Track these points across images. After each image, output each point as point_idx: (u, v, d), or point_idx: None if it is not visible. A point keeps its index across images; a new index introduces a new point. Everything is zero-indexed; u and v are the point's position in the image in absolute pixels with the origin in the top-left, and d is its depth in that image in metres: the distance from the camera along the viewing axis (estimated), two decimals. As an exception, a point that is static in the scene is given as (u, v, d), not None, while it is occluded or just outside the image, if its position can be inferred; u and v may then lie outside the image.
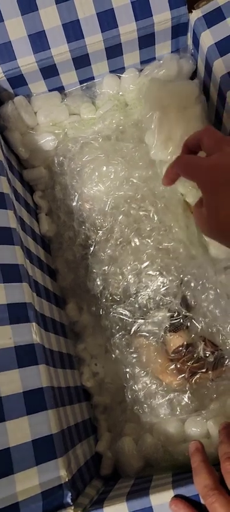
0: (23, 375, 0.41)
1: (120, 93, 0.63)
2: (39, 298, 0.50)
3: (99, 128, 0.59)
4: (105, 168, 0.53)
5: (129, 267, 0.50)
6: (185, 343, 0.48)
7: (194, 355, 0.47)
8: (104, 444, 0.54)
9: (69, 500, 0.39)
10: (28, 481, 0.38)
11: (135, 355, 0.50)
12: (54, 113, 0.62)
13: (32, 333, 0.44)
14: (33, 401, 0.41)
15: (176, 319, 0.49)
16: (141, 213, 0.52)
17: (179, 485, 0.39)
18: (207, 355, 0.47)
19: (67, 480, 0.40)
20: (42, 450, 0.39)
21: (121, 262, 0.51)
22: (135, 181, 0.52)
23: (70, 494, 0.39)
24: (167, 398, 0.48)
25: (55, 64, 0.58)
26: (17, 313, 0.43)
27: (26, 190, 0.62)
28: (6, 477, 0.37)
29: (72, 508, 0.39)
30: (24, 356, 0.42)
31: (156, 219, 0.51)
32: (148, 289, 0.50)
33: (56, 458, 0.40)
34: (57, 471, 0.40)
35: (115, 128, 0.58)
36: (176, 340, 0.49)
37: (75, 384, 0.55)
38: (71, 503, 0.39)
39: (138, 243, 0.51)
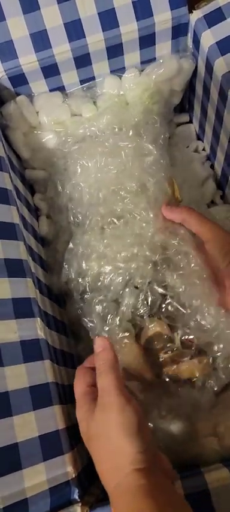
0: (29, 370, 0.41)
1: (121, 93, 0.63)
2: (42, 296, 0.50)
3: (98, 124, 0.59)
4: (103, 163, 0.53)
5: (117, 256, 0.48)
6: (162, 332, 0.46)
7: (170, 345, 0.45)
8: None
9: (76, 496, 0.38)
10: (36, 477, 0.37)
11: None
12: (55, 113, 0.62)
13: (36, 328, 0.43)
14: (39, 396, 0.40)
15: (151, 308, 0.47)
16: (132, 205, 0.51)
17: (187, 480, 0.38)
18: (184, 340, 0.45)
19: (74, 476, 0.39)
20: (49, 446, 0.39)
21: (102, 253, 0.49)
22: (136, 174, 0.52)
23: (77, 490, 0.39)
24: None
25: (56, 63, 0.58)
26: (21, 308, 0.43)
27: (27, 190, 0.62)
28: (15, 472, 0.36)
29: (80, 504, 0.38)
30: (30, 351, 0.42)
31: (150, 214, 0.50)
32: (121, 275, 0.47)
33: (63, 454, 0.40)
34: (64, 467, 0.39)
35: (116, 124, 0.58)
36: (151, 330, 0.46)
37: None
38: (79, 500, 0.38)
39: (121, 228, 0.50)
